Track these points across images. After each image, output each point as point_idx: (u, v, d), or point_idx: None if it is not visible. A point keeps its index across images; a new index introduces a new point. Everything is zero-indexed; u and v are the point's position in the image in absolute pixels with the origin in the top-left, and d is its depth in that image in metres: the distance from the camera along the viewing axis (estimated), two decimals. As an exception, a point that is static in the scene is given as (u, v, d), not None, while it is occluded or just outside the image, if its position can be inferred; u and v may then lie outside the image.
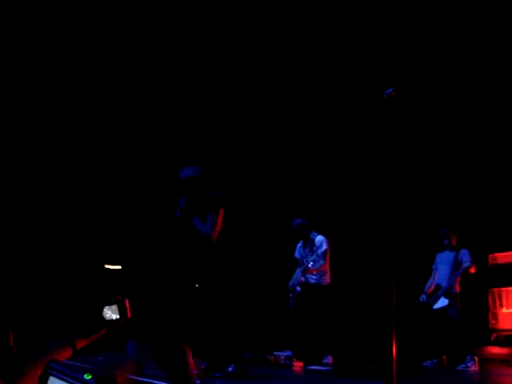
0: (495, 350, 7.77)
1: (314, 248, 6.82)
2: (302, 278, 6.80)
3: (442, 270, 7.11)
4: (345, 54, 8.24)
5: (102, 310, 1.43)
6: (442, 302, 6.94)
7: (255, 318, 7.88)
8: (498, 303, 8.00)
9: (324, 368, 6.42)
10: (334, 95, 8.48)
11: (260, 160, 8.67)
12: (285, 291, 7.15)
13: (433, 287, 7.16)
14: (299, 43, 8.21)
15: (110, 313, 1.51)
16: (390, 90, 5.18)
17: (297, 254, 7.11)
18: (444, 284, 6.97)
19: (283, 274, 7.33)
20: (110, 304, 1.51)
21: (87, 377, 1.44)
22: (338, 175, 8.75)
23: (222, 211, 4.35)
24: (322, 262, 6.77)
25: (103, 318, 1.41)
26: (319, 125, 8.68)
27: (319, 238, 6.87)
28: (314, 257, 6.73)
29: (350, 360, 6.51)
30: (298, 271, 6.94)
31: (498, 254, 8.20)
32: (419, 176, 8.37)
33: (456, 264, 6.95)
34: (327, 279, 6.84)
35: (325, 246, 6.82)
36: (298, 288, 6.86)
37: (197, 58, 7.87)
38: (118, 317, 1.55)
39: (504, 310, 7.89)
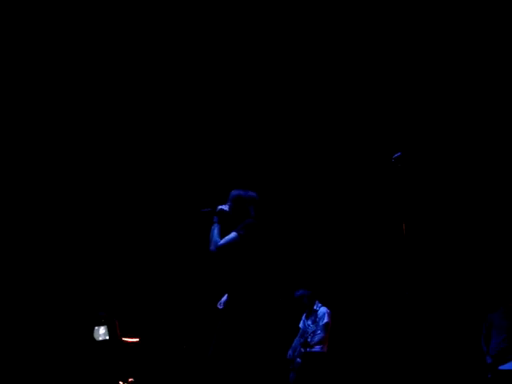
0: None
1: (317, 319, 6.77)
2: (302, 350, 6.69)
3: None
4: (353, 120, 8.38)
5: (92, 329, 1.30)
6: None
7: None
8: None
9: None
10: (339, 161, 8.56)
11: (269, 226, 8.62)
12: (284, 364, 6.99)
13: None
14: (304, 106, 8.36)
15: (100, 333, 1.38)
16: (399, 153, 5.25)
17: (301, 324, 7.04)
18: None
19: (283, 345, 7.17)
20: (99, 324, 1.36)
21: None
22: (347, 243, 8.70)
23: (245, 238, 4.28)
24: (322, 334, 6.70)
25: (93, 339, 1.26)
26: (326, 191, 8.70)
27: (322, 310, 6.83)
28: (315, 328, 6.70)
29: None
30: (297, 341, 6.87)
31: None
32: (430, 239, 8.31)
33: None
34: (325, 348, 6.74)
35: (326, 319, 6.76)
36: (299, 360, 6.71)
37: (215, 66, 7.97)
38: (107, 338, 1.42)
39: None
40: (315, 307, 6.91)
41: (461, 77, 7.73)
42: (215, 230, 4.36)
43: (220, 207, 4.42)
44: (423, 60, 7.68)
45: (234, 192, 4.50)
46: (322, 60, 7.87)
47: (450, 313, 8.16)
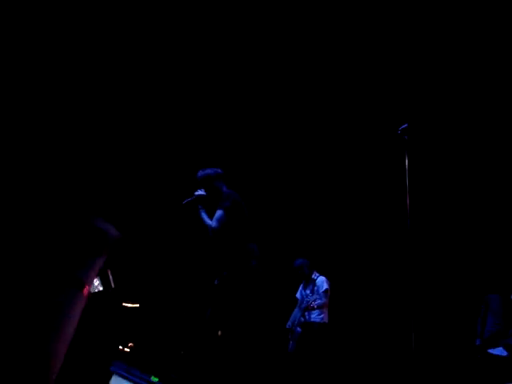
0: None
1: (316, 288, 6.77)
2: (302, 319, 6.69)
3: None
4: (360, 90, 8.28)
5: None
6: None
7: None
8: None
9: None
10: (344, 130, 8.49)
11: (267, 197, 8.62)
12: (282, 333, 6.99)
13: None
14: (311, 86, 8.27)
15: (94, 285, 1.36)
16: (405, 125, 5.18)
17: (298, 294, 7.04)
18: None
19: (279, 315, 7.19)
20: None
21: (154, 379, 1.37)
22: (348, 216, 8.67)
23: (231, 209, 4.39)
24: (322, 300, 6.69)
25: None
26: (330, 164, 8.65)
27: (320, 279, 6.83)
28: (315, 297, 6.68)
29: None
30: (297, 311, 6.86)
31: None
32: (433, 213, 8.28)
33: None
34: (325, 318, 6.74)
35: (325, 286, 6.76)
36: (299, 329, 6.70)
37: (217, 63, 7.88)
38: (101, 289, 1.41)
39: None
40: (313, 276, 6.90)
41: (469, 49, 7.60)
42: (204, 216, 4.45)
43: (197, 193, 4.53)
44: (429, 31, 7.56)
45: (201, 173, 4.58)
46: (328, 32, 7.75)
47: (445, 292, 8.17)
